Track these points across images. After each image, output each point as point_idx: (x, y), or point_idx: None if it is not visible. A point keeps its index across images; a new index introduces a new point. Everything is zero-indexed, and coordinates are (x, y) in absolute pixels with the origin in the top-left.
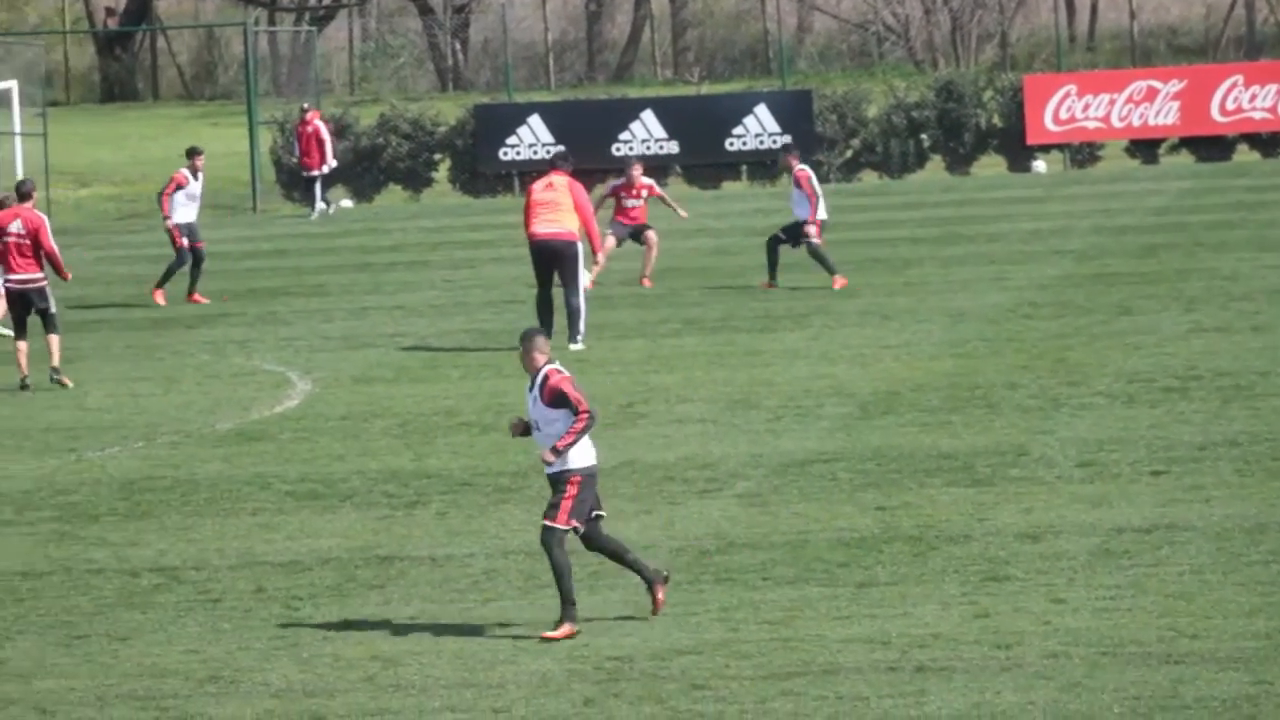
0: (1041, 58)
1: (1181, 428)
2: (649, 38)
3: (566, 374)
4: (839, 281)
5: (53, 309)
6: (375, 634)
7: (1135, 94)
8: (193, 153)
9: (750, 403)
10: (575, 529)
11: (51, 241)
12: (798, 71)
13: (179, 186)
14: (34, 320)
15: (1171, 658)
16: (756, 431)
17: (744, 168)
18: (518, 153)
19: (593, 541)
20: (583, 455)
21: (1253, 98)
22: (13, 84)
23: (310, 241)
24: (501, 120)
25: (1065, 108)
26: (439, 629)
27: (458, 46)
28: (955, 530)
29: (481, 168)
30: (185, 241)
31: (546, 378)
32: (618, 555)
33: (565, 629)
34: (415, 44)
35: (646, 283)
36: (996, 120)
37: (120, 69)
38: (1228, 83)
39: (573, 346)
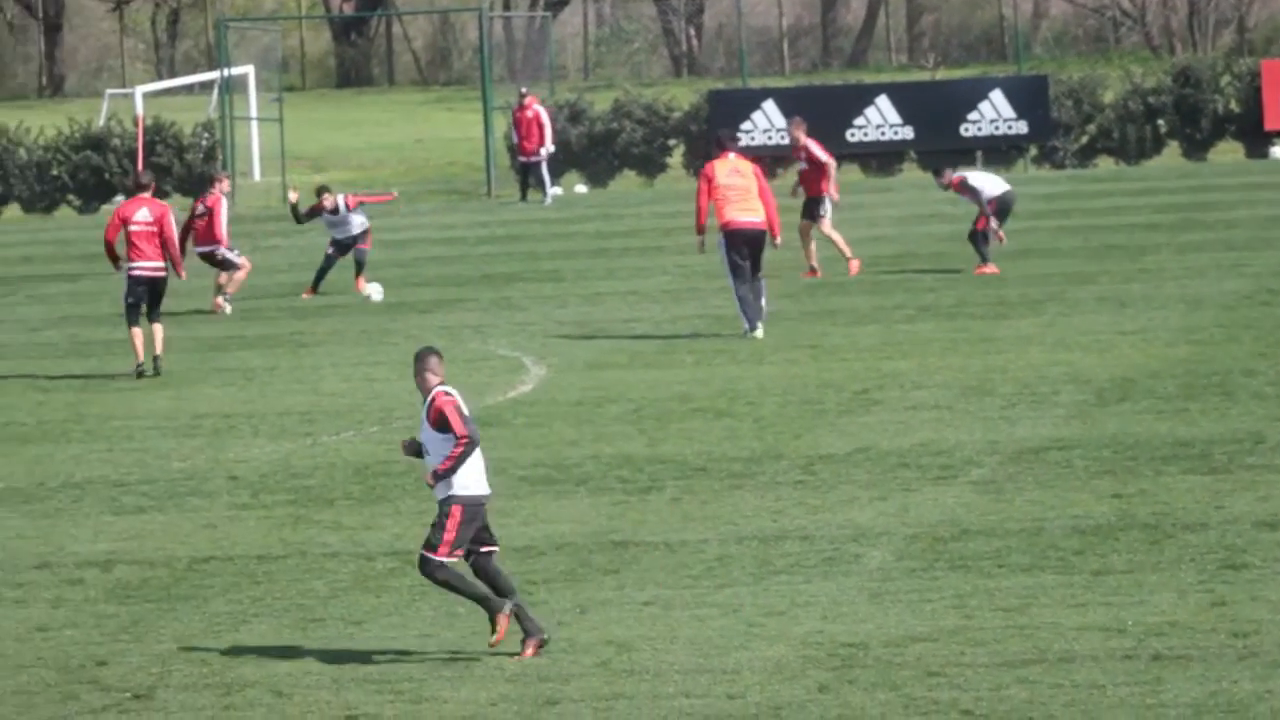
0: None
1: None
2: (884, 23)
3: (454, 397)
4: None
5: (162, 297)
6: (609, 619)
7: None
8: (321, 191)
9: (985, 389)
10: (455, 559)
11: (174, 231)
12: (1033, 57)
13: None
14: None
15: None
16: (991, 418)
17: (978, 153)
18: (752, 138)
19: (481, 575)
20: (469, 484)
21: None
22: (249, 69)
23: (545, 227)
24: (736, 106)
25: None
26: (673, 614)
27: (692, 32)
28: (1191, 518)
29: (715, 152)
30: (332, 250)
31: (434, 399)
32: (507, 589)
33: (532, 646)
34: (649, 29)
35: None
36: (1234, 106)
37: (356, 54)
38: None
39: (756, 333)
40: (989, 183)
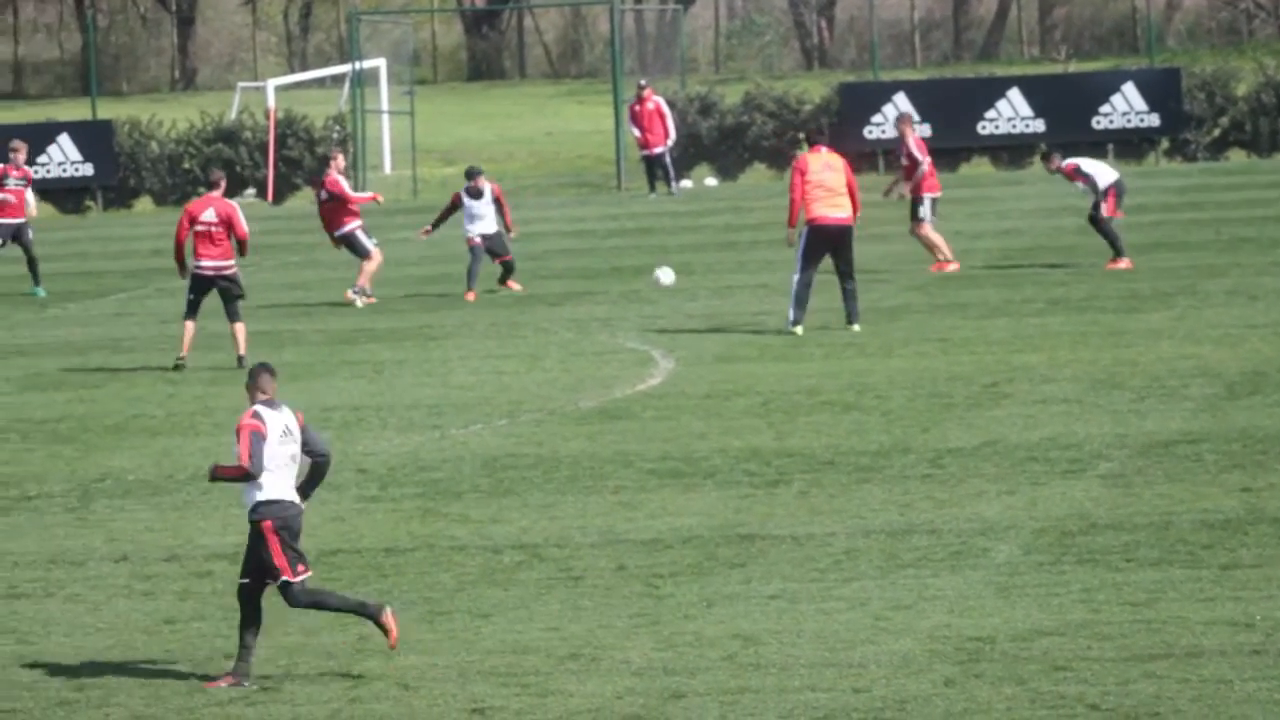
0: None
1: None
2: (1015, 15)
3: (257, 422)
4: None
5: (241, 296)
6: (736, 612)
7: None
8: (472, 173)
9: (1114, 383)
10: (303, 572)
11: (245, 228)
12: (1166, 49)
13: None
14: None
15: None
16: (1120, 411)
17: (1110, 146)
18: (883, 131)
19: (249, 601)
20: (274, 500)
21: None
22: (381, 62)
23: (674, 220)
24: (867, 98)
25: None
26: (800, 608)
27: (823, 24)
28: None
29: (846, 146)
30: (478, 240)
31: (242, 416)
32: (254, 624)
33: (226, 680)
34: (781, 22)
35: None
36: None
37: (487, 47)
38: None
39: (855, 327)
40: (1101, 170)
